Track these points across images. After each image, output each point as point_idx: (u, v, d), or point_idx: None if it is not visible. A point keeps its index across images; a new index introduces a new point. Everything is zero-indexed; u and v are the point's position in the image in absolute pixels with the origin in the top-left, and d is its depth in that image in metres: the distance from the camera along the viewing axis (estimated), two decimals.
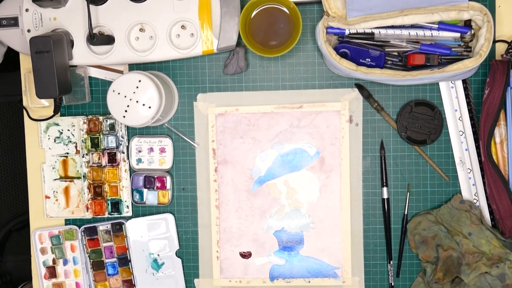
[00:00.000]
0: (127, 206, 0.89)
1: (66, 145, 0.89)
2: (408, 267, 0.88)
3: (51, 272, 0.90)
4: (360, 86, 0.85)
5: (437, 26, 0.80)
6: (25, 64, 0.89)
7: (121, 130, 0.88)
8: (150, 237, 0.89)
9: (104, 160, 0.88)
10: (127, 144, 0.88)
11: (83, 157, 0.88)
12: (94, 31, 0.82)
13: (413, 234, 0.85)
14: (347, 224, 0.87)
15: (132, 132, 0.89)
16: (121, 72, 0.88)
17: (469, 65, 0.76)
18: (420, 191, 0.87)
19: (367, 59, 0.81)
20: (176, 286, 0.89)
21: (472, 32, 0.80)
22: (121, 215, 0.89)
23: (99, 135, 0.88)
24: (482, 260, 0.78)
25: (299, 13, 0.78)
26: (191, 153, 0.88)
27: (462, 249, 0.80)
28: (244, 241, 0.88)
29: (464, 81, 0.84)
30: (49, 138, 0.89)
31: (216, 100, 0.87)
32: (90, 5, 0.80)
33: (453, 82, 0.84)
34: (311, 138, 0.87)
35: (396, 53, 0.82)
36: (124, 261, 0.90)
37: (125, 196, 0.89)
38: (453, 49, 0.80)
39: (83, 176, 0.89)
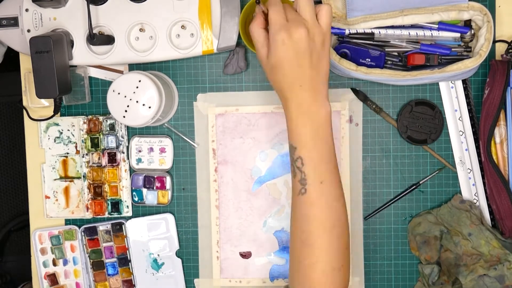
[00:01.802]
0: (127, 206, 0.89)
1: (66, 145, 0.89)
2: (408, 267, 0.88)
3: (52, 279, 0.90)
4: (356, 90, 0.85)
5: (437, 26, 0.80)
6: (25, 64, 0.89)
7: (121, 130, 0.88)
8: (150, 237, 0.89)
9: (104, 160, 0.88)
10: (127, 144, 0.88)
11: (83, 157, 0.88)
12: (94, 31, 0.82)
13: (414, 234, 0.85)
14: None
15: (132, 132, 0.89)
16: (121, 72, 0.88)
17: (469, 65, 0.76)
18: (420, 191, 0.87)
19: (367, 59, 0.81)
20: (176, 286, 0.89)
21: (472, 32, 0.80)
22: (121, 215, 0.89)
23: (99, 135, 0.88)
24: (479, 262, 0.78)
25: None
26: (191, 153, 0.88)
27: (460, 251, 0.80)
28: (244, 241, 0.88)
29: (464, 81, 0.84)
30: (49, 138, 0.89)
31: (216, 100, 0.87)
32: (90, 5, 0.80)
33: (453, 82, 0.84)
34: None
35: (396, 53, 0.82)
36: (124, 261, 0.90)
37: (125, 196, 0.89)
38: (453, 49, 0.80)
39: (83, 176, 0.89)
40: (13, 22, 0.83)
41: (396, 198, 0.86)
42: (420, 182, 0.85)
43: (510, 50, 0.82)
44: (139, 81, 0.77)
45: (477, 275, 0.77)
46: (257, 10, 0.68)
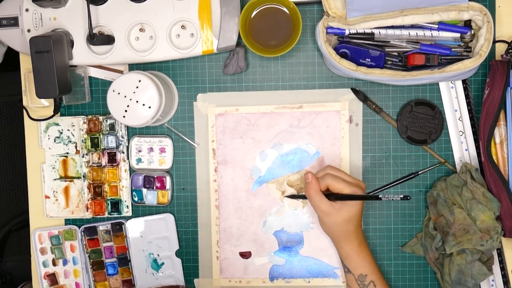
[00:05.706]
0: (127, 206, 0.89)
1: (66, 145, 0.89)
2: (408, 267, 0.88)
3: (52, 279, 0.90)
4: (356, 90, 0.85)
5: (437, 26, 0.80)
6: (25, 64, 0.89)
7: (121, 130, 0.88)
8: (150, 237, 0.89)
9: (104, 160, 0.88)
10: (127, 144, 0.88)
11: (83, 157, 0.88)
12: (94, 31, 0.82)
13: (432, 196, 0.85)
14: None
15: (132, 132, 0.89)
16: (121, 72, 0.88)
17: (469, 65, 0.76)
18: (419, 191, 0.87)
19: (367, 59, 0.81)
20: None
21: (472, 32, 0.80)
22: (121, 215, 0.89)
23: (99, 135, 0.88)
24: (467, 235, 0.78)
25: (299, 13, 0.78)
26: (191, 153, 0.88)
27: (452, 218, 0.79)
28: (244, 241, 0.88)
29: (464, 81, 0.84)
30: (49, 138, 0.89)
31: (216, 100, 0.87)
32: (90, 5, 0.80)
33: (453, 82, 0.84)
34: (311, 138, 0.87)
35: (396, 53, 0.82)
36: (124, 261, 0.90)
37: (125, 196, 0.89)
38: (453, 49, 0.80)
39: (83, 176, 0.89)
40: (13, 22, 0.83)
41: (393, 184, 0.83)
42: (419, 173, 0.84)
43: (510, 50, 0.82)
44: (139, 81, 0.77)
45: (460, 248, 0.77)
46: (311, 176, 0.78)
